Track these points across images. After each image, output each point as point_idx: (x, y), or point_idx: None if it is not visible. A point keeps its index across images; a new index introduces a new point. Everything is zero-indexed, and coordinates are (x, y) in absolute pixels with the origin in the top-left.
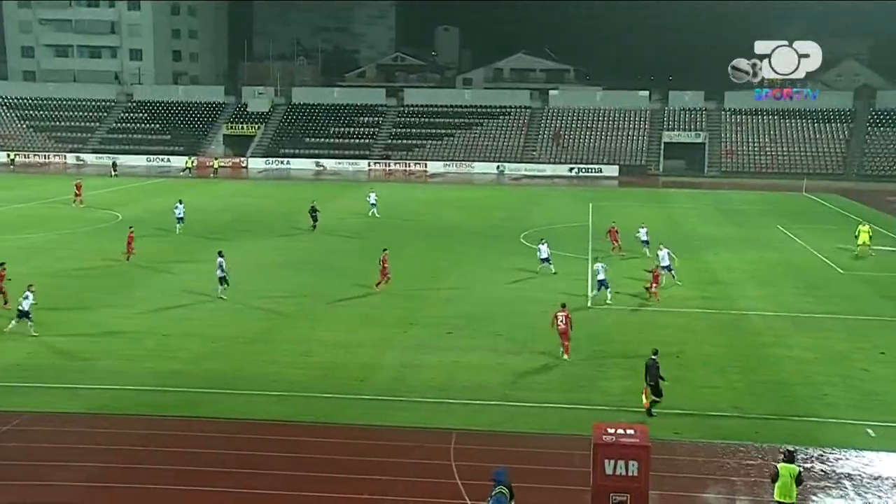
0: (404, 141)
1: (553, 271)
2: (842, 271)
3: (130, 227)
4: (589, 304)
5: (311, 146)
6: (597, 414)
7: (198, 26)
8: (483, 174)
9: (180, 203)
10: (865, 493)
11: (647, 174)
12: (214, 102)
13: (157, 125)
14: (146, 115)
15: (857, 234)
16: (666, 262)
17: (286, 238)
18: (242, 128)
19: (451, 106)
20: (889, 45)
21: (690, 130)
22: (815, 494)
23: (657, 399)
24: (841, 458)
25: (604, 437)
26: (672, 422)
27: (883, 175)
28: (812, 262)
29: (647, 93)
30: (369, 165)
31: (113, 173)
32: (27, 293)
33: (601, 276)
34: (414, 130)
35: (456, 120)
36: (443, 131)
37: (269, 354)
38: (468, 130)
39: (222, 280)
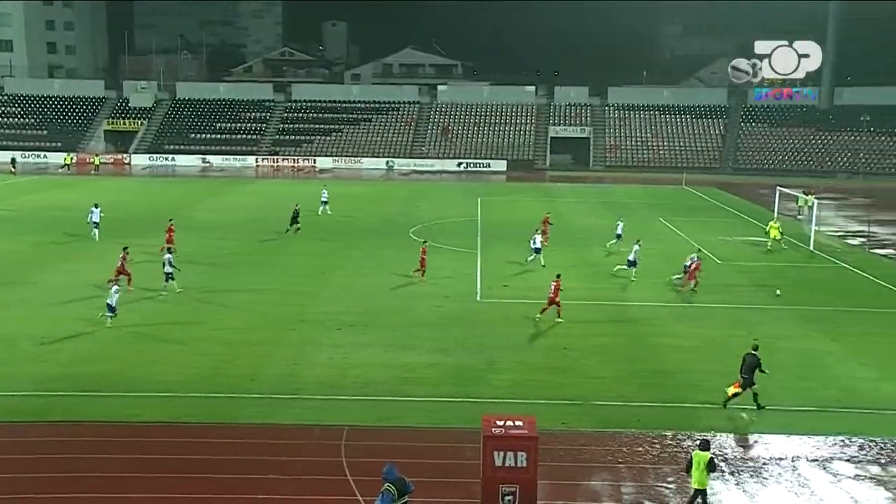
0: (292, 137)
1: (542, 264)
2: (720, 262)
3: None
4: (478, 298)
5: (197, 142)
6: (486, 407)
7: (74, 17)
8: (372, 170)
9: (96, 207)
10: (740, 474)
11: (534, 169)
12: (94, 97)
13: (32, 120)
14: (19, 109)
15: (767, 230)
16: (632, 258)
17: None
18: (124, 123)
19: (340, 101)
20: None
21: (576, 125)
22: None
23: (740, 392)
24: (718, 442)
25: (493, 429)
26: (560, 412)
27: (755, 169)
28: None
29: (533, 88)
30: (257, 161)
31: (12, 170)
32: None
33: (631, 257)
34: (302, 126)
35: (345, 115)
36: (331, 127)
37: (156, 354)
38: (357, 126)
39: (169, 276)
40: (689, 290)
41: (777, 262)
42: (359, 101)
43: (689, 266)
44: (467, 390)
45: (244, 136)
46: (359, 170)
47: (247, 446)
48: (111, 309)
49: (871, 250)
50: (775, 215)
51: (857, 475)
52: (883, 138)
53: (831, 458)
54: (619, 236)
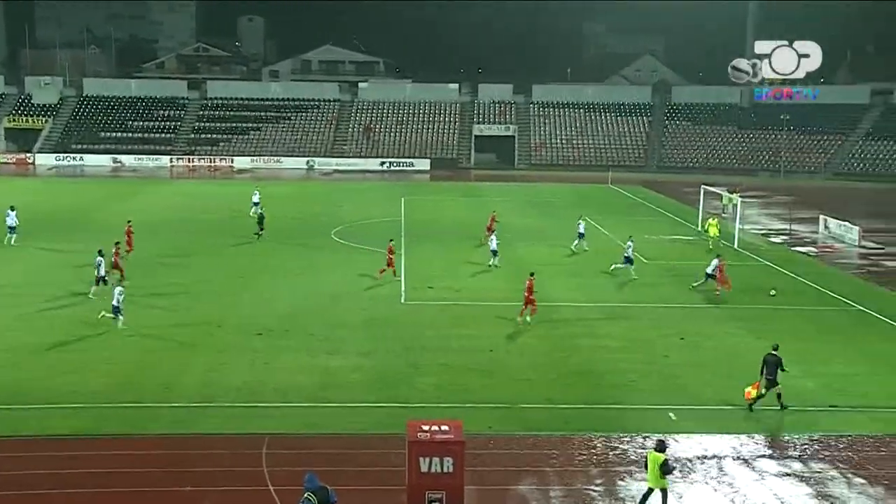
0: (208, 135)
1: (497, 265)
2: (646, 261)
3: None
4: (403, 300)
5: (107, 141)
6: (412, 411)
7: None
8: (292, 169)
9: (12, 210)
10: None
11: (458, 168)
12: None
13: None
14: None
15: (706, 228)
16: (629, 254)
17: (84, 237)
18: (27, 121)
19: (258, 99)
20: (679, 42)
21: (500, 123)
22: (621, 479)
23: (764, 394)
24: (646, 443)
25: (418, 434)
26: (486, 416)
27: (680, 167)
28: (618, 252)
29: (456, 86)
30: (171, 161)
31: None
32: None
33: (628, 253)
34: (218, 124)
35: (263, 113)
36: (249, 125)
37: (64, 363)
38: (276, 124)
39: (100, 280)
40: (723, 291)
41: (704, 260)
42: (277, 99)
43: (715, 269)
44: (392, 395)
45: (157, 134)
46: (279, 170)
47: (161, 458)
48: (116, 311)
49: (793, 248)
50: (702, 213)
51: (781, 472)
52: (801, 137)
53: (755, 456)
54: (581, 235)
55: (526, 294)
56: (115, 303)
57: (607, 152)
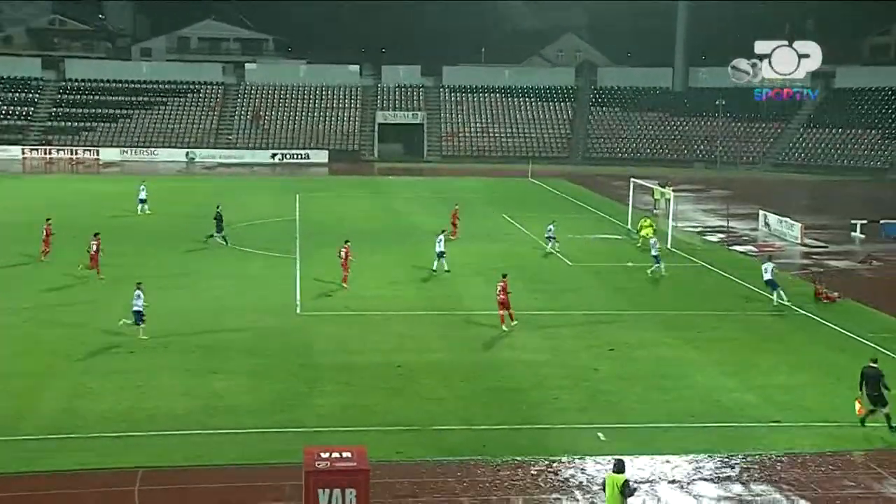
0: (69, 123)
1: (446, 269)
2: (570, 263)
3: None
4: (299, 311)
5: None
6: (310, 437)
7: None
8: (170, 162)
9: None
10: (595, 500)
11: (360, 160)
12: None
13: None
14: None
15: (639, 227)
16: (655, 253)
17: None
18: None
19: (127, 81)
20: (605, 19)
21: (407, 110)
22: None
23: (875, 409)
24: (572, 466)
25: (316, 462)
26: (395, 440)
27: (607, 158)
28: (540, 254)
29: (357, 68)
30: (24, 153)
31: None
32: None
33: (654, 252)
34: (80, 110)
35: (133, 98)
36: (118, 111)
37: None
38: (149, 111)
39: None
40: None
41: (630, 260)
42: (150, 82)
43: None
44: (287, 418)
45: (6, 121)
46: (153, 163)
47: (15, 500)
48: (140, 317)
49: (731, 247)
50: (632, 209)
51: (720, 496)
52: (738, 124)
53: (692, 479)
54: (551, 238)
55: (500, 297)
56: (137, 307)
57: (527, 142)
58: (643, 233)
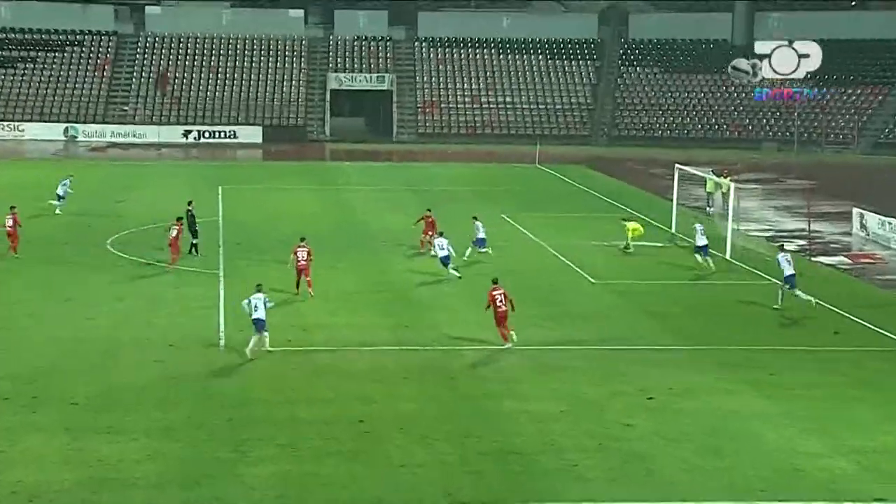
0: None
1: (458, 276)
2: (594, 281)
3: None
4: (222, 346)
5: None
6: None
7: None
8: (41, 141)
9: None
10: None
11: (306, 140)
12: None
13: None
14: None
15: (628, 228)
16: (702, 242)
17: None
18: None
19: None
20: None
21: (370, 72)
22: None
23: None
24: None
25: None
26: None
27: (642, 137)
28: (552, 268)
29: (301, 12)
30: None
31: None
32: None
33: (700, 242)
34: None
35: None
36: None
37: None
38: (11, 70)
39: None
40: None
41: (676, 277)
42: (12, 30)
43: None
44: (206, 494)
45: None
46: (18, 141)
47: None
48: (261, 325)
49: (814, 258)
50: (676, 206)
51: None
52: (826, 90)
53: None
54: (481, 241)
55: (502, 309)
56: (259, 315)
57: (534, 116)
58: (632, 234)
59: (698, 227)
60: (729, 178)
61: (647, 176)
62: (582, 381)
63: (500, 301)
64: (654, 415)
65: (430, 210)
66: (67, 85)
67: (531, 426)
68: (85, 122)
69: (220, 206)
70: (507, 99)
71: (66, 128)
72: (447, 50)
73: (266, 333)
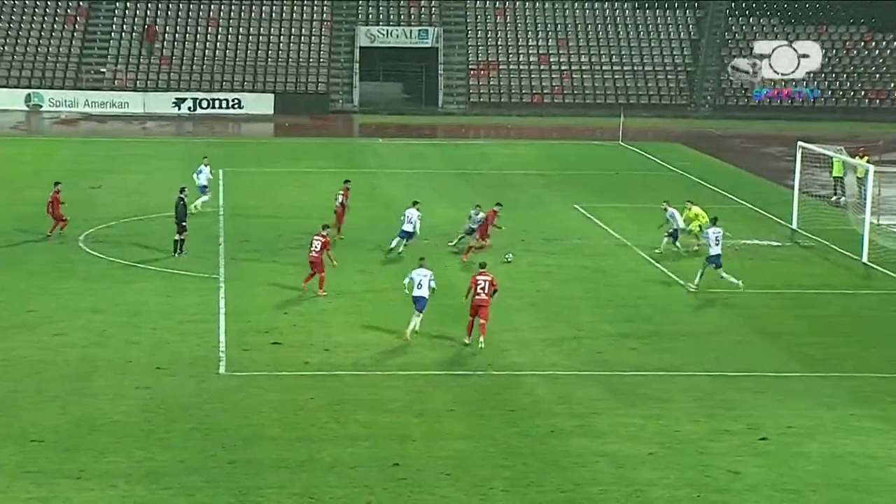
0: None
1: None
2: (693, 289)
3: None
4: (223, 370)
5: None
6: None
7: None
8: None
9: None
10: None
11: (329, 111)
12: None
13: None
14: None
15: (683, 215)
16: (716, 252)
17: None
18: None
19: None
20: None
21: (409, 25)
22: None
23: None
24: None
25: None
26: None
27: (755, 105)
28: (639, 274)
29: None
30: None
31: None
32: None
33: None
34: None
35: None
36: None
37: None
38: None
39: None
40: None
41: (797, 285)
42: None
43: None
44: None
45: None
46: None
47: None
48: (422, 304)
49: None
50: (798, 193)
51: None
52: None
53: None
54: (472, 230)
55: (477, 295)
56: (421, 293)
57: (617, 81)
58: (693, 224)
59: (712, 233)
60: (866, 159)
61: (761, 156)
62: (677, 417)
63: (482, 288)
64: (768, 460)
65: (499, 204)
66: (30, 42)
67: (610, 472)
68: (51, 89)
69: (221, 195)
70: (583, 59)
71: (28, 95)
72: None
73: (420, 316)
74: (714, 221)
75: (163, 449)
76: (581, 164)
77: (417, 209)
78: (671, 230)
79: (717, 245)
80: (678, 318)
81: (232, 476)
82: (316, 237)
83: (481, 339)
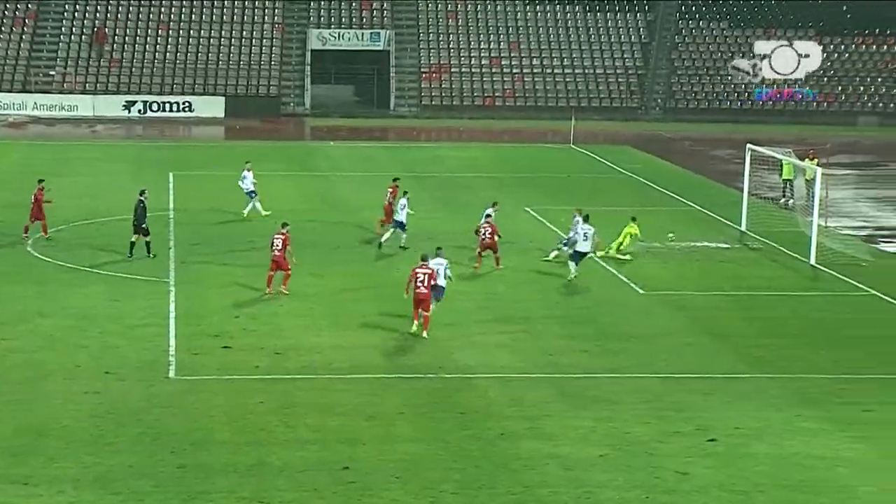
0: None
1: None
2: (642, 291)
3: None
4: (172, 373)
5: None
6: None
7: None
8: None
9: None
10: None
11: (281, 114)
12: None
13: None
14: None
15: (621, 236)
16: (585, 248)
17: None
18: None
19: None
20: None
21: (361, 27)
22: None
23: None
24: None
25: None
26: None
27: (704, 108)
28: (591, 276)
29: None
30: None
31: None
32: None
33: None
34: None
35: None
36: None
37: None
38: None
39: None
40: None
41: (746, 287)
42: None
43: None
44: None
45: None
46: None
47: None
48: (439, 293)
49: None
50: (747, 195)
51: None
52: None
53: None
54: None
55: (423, 292)
56: (438, 281)
57: (569, 83)
58: (624, 240)
59: (581, 228)
60: (815, 162)
61: (710, 158)
62: (627, 419)
63: (421, 281)
64: (716, 461)
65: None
66: None
67: (560, 474)
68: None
69: (172, 198)
70: (535, 62)
71: None
72: (459, 0)
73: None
74: (586, 219)
75: (112, 454)
76: (532, 167)
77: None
78: (565, 240)
79: (585, 241)
80: (628, 321)
81: (181, 480)
82: (276, 236)
83: (424, 333)
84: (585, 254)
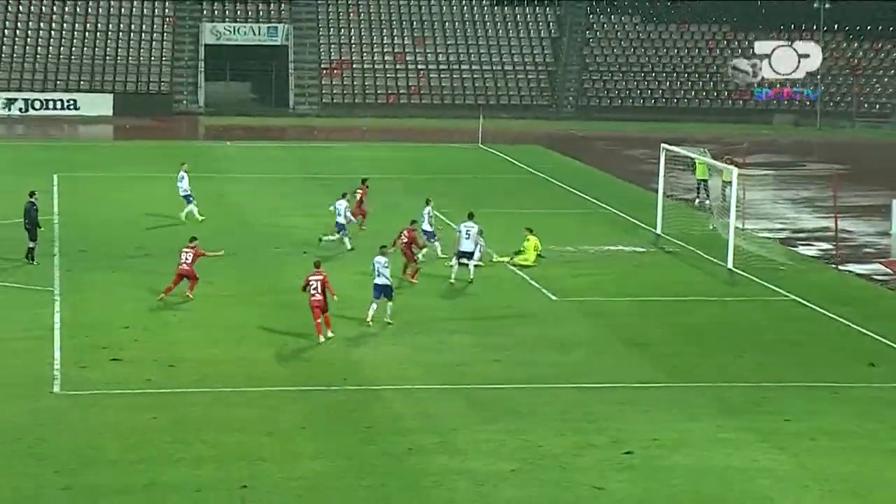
0: None
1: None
2: (555, 298)
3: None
4: (57, 388)
5: None
6: None
7: None
8: None
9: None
10: None
11: (172, 112)
12: None
13: None
14: None
15: (523, 247)
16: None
17: None
18: None
19: None
20: None
21: (258, 21)
22: None
23: None
24: None
25: None
26: None
27: (617, 106)
28: (499, 283)
29: None
30: None
31: None
32: None
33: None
34: None
35: None
36: None
37: None
38: None
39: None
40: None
41: (662, 293)
42: None
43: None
44: None
45: None
46: None
47: None
48: (382, 292)
49: (843, 267)
50: (662, 198)
51: None
52: (856, 44)
53: None
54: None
55: (317, 298)
56: (380, 280)
57: (476, 80)
58: (529, 255)
59: (464, 226)
60: (731, 162)
61: (624, 158)
62: (539, 431)
63: (315, 288)
64: (633, 474)
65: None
66: None
67: (471, 490)
68: None
69: (56, 201)
70: (441, 58)
71: None
72: None
73: (390, 303)
74: (470, 216)
75: None
76: (438, 168)
77: (347, 200)
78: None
79: (467, 239)
80: (541, 328)
81: (67, 503)
82: (186, 250)
83: (329, 332)
84: (470, 254)
